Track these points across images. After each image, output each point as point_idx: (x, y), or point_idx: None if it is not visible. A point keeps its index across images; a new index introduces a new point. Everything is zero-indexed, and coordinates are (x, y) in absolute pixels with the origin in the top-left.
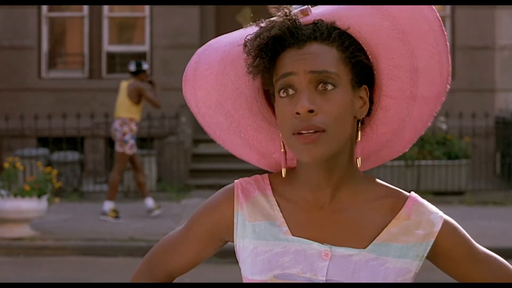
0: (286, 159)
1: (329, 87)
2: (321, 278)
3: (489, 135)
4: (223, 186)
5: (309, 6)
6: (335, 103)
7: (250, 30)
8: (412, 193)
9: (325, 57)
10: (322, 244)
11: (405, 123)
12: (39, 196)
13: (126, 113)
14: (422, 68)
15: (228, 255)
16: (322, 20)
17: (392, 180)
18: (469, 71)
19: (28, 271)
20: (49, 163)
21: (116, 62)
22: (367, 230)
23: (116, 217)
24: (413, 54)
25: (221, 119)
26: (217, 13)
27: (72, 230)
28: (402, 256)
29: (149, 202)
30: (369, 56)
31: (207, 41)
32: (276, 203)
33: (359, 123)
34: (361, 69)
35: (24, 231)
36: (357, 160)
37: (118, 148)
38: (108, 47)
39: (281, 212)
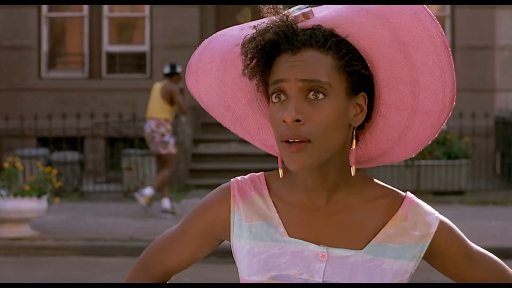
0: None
1: (320, 96)
2: (318, 280)
3: (489, 135)
4: None
5: (312, 9)
6: (325, 113)
7: (253, 25)
8: (408, 193)
9: (318, 65)
10: (319, 245)
11: (406, 134)
12: (39, 196)
13: (161, 114)
14: (423, 82)
15: (228, 255)
16: (320, 26)
17: (392, 180)
18: (469, 71)
19: (28, 271)
20: (49, 163)
21: (116, 62)
22: (363, 231)
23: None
24: (414, 67)
25: (222, 110)
26: (217, 13)
27: (72, 230)
28: (398, 257)
29: (166, 202)
30: (368, 65)
31: None
32: (272, 203)
33: (356, 129)
34: (358, 78)
35: (24, 231)
36: (351, 168)
37: (162, 150)
38: (108, 47)
39: (278, 212)
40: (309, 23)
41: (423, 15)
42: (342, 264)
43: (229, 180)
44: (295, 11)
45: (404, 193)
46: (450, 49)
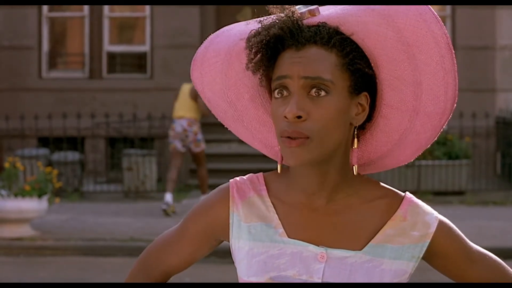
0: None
1: (322, 93)
2: (317, 280)
3: (489, 135)
4: None
5: (318, 6)
6: (326, 110)
7: (259, 20)
8: (407, 193)
9: (321, 62)
10: (318, 246)
11: (406, 136)
12: (40, 196)
13: (191, 113)
14: (426, 83)
15: (228, 255)
16: (326, 23)
17: (393, 180)
18: (469, 71)
19: (28, 271)
20: (49, 163)
21: (117, 62)
22: (362, 231)
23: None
24: (417, 68)
25: (225, 106)
26: (217, 13)
27: (73, 230)
28: (397, 257)
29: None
30: (372, 64)
31: None
32: (271, 204)
33: (357, 129)
34: (361, 77)
35: (24, 231)
36: (353, 167)
37: (195, 148)
38: (109, 47)
39: (277, 213)
40: (314, 20)
41: (428, 16)
42: (341, 265)
43: (228, 181)
44: (301, 8)
45: (403, 194)
46: (454, 52)
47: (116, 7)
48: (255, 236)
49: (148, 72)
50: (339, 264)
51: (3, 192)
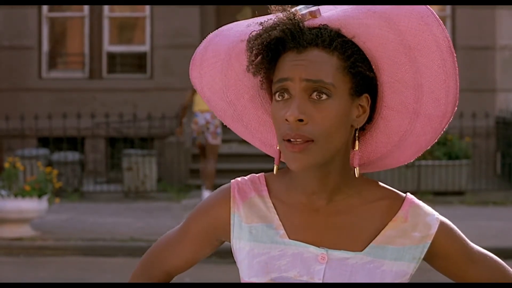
0: (280, 157)
1: (323, 97)
2: (317, 281)
3: (489, 135)
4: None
5: (319, 8)
6: (327, 114)
7: (260, 21)
8: (408, 194)
9: (323, 65)
10: (319, 247)
11: (406, 138)
12: (40, 196)
13: None
14: (427, 86)
15: (229, 255)
16: (327, 25)
17: (393, 180)
18: (469, 71)
19: (28, 271)
20: (49, 163)
21: (117, 62)
22: (363, 232)
23: None
24: (418, 70)
25: (224, 105)
26: (217, 13)
27: (73, 230)
28: (398, 258)
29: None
30: (373, 67)
31: None
32: (272, 205)
33: (357, 131)
34: (362, 79)
35: (24, 231)
36: (355, 169)
37: (212, 140)
38: (109, 47)
39: (278, 214)
40: (315, 22)
41: (430, 20)
42: (342, 266)
43: (230, 181)
44: (302, 9)
45: (404, 194)
46: (455, 55)
47: (116, 7)
48: (256, 237)
49: (148, 72)
50: (339, 265)
51: (3, 192)
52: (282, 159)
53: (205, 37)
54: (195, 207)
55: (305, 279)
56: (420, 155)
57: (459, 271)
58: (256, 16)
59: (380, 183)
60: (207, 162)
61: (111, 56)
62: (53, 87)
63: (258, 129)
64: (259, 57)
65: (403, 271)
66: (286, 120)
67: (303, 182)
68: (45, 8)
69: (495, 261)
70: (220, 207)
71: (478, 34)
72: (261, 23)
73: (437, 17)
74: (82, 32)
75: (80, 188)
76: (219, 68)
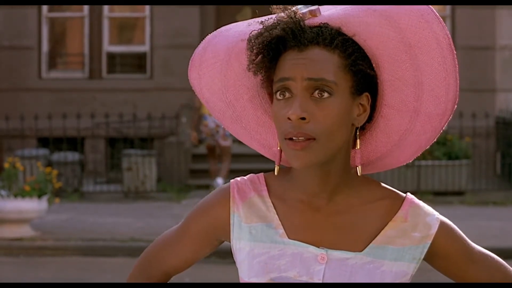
0: (281, 156)
1: (325, 95)
2: (317, 282)
3: (489, 135)
4: None
5: (319, 7)
6: (329, 112)
7: (260, 20)
8: (408, 194)
9: (324, 64)
10: (318, 247)
11: (406, 137)
12: (39, 196)
13: None
14: (427, 84)
15: (228, 255)
16: (327, 24)
17: (392, 180)
18: (469, 71)
19: (28, 271)
20: (49, 163)
21: (116, 62)
22: (363, 233)
23: None
24: (419, 68)
25: (223, 106)
26: (217, 13)
27: (72, 230)
28: (398, 259)
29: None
30: (373, 65)
31: None
32: (272, 204)
33: (358, 129)
34: (363, 77)
35: (24, 231)
36: (357, 168)
37: (224, 142)
38: (108, 47)
39: (277, 213)
40: (316, 21)
41: (430, 17)
42: (342, 266)
43: (229, 181)
44: (302, 8)
45: (404, 195)
46: (455, 52)
47: (116, 7)
48: (256, 237)
49: (148, 72)
50: (339, 266)
51: (3, 192)
52: (282, 159)
53: (204, 38)
54: (195, 207)
55: (304, 279)
56: (419, 154)
57: (460, 271)
58: (256, 16)
59: (380, 183)
60: (222, 163)
61: (111, 56)
62: (53, 87)
63: (257, 130)
64: (260, 56)
65: (403, 271)
66: (288, 118)
67: (303, 182)
68: (45, 8)
69: (496, 261)
70: (219, 207)
71: (478, 34)
72: (262, 22)
73: (438, 15)
74: (82, 32)
75: (80, 188)
76: (218, 69)
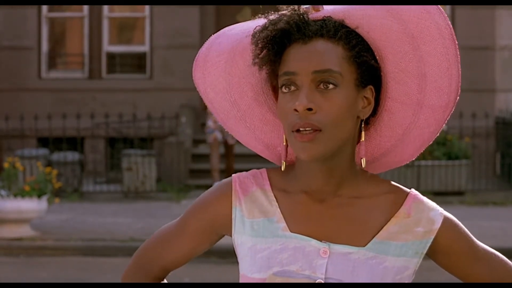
0: (287, 152)
1: (331, 86)
2: (320, 276)
3: (489, 136)
4: None
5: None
6: (335, 103)
7: (263, 20)
8: (412, 190)
9: (329, 55)
10: (321, 241)
11: (410, 131)
12: (39, 196)
13: None
14: (430, 75)
15: (228, 255)
16: (331, 17)
17: (393, 180)
18: (469, 71)
19: (28, 271)
20: (49, 163)
21: (116, 62)
22: (366, 227)
23: None
24: (422, 59)
25: (228, 106)
26: (217, 13)
27: (72, 230)
28: (401, 254)
29: None
30: (377, 57)
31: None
32: (274, 198)
33: (363, 122)
34: (367, 69)
35: (24, 231)
36: (362, 160)
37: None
38: (108, 47)
39: (279, 207)
40: (319, 15)
41: (432, 8)
42: (344, 261)
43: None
44: (305, 5)
45: (408, 190)
46: (457, 43)
47: (115, 7)
48: (258, 232)
49: (147, 72)
50: (342, 260)
51: (3, 192)
52: (287, 156)
53: (205, 37)
54: (194, 202)
55: (307, 273)
56: (422, 150)
57: (463, 268)
58: (256, 17)
59: (384, 179)
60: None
61: (111, 56)
62: (52, 87)
63: (262, 129)
64: (265, 51)
65: (405, 266)
66: (295, 110)
67: (308, 176)
68: (44, 8)
69: (501, 260)
70: (221, 201)
71: (478, 34)
72: (266, 16)
73: (439, 7)
74: (82, 32)
75: (80, 188)
76: (223, 67)
